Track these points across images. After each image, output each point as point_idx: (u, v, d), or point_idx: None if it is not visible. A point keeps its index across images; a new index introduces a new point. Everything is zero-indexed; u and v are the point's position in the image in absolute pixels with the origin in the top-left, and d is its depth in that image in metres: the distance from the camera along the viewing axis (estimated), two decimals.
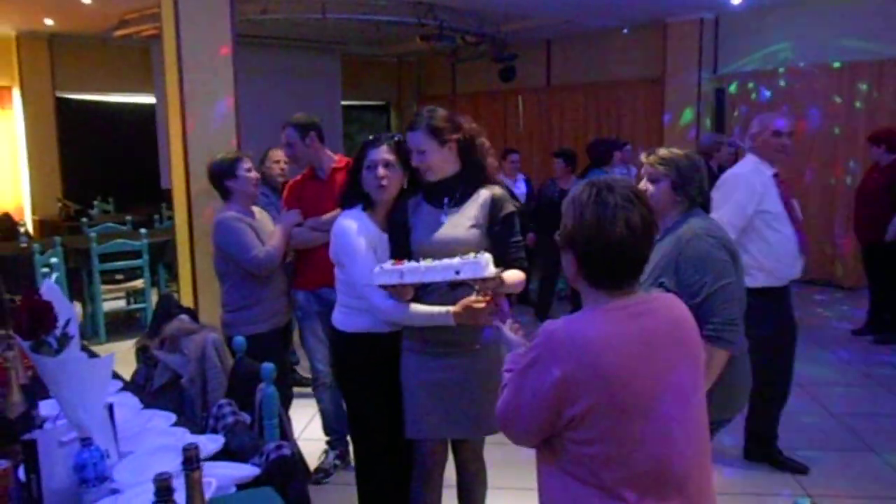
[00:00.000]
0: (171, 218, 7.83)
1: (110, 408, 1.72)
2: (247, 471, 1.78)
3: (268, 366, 2.38)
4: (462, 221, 2.44)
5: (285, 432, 2.46)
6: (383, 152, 2.51)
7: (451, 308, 2.32)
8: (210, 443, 1.95)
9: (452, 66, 10.55)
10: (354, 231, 2.50)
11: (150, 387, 3.01)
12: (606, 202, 1.48)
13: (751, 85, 8.11)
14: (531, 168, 8.79)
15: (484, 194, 2.48)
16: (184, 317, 3.14)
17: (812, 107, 7.65)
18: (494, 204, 2.46)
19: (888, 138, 5.54)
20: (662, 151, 2.43)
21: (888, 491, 3.42)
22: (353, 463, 2.85)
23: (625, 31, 8.79)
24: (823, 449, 3.82)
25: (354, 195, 2.60)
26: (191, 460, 1.29)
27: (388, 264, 2.29)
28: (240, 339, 2.75)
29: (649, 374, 1.47)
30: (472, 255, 2.26)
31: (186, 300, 4.43)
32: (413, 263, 2.26)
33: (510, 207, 2.48)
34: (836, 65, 7.46)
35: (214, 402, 2.79)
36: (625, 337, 1.47)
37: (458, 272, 2.18)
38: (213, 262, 3.51)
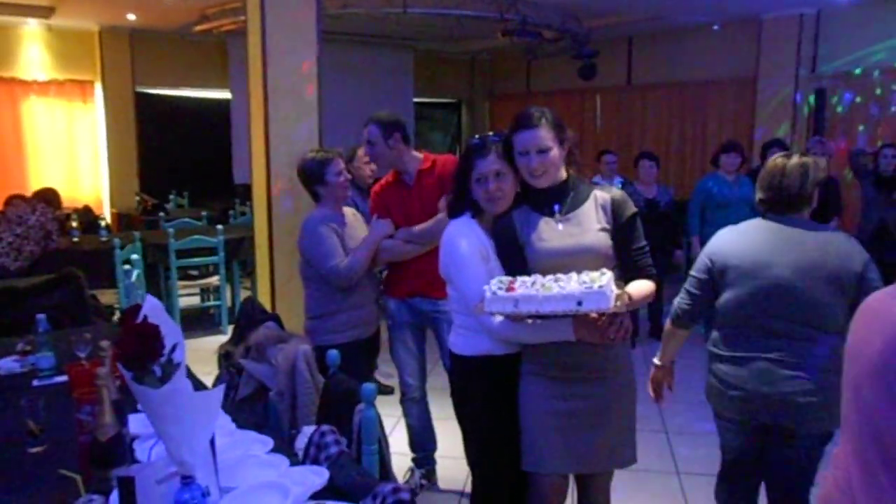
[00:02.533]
0: (244, 214, 7.82)
1: (211, 440, 1.53)
2: None
3: (369, 386, 2.17)
4: (587, 226, 2.22)
5: (385, 461, 2.25)
6: (492, 162, 2.27)
7: (571, 321, 2.07)
8: (313, 476, 1.75)
9: (528, 64, 10.27)
10: (466, 246, 2.27)
11: (233, 396, 2.86)
12: None
13: (849, 86, 7.58)
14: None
15: (602, 196, 2.27)
16: (271, 324, 2.97)
17: None
18: (616, 206, 2.25)
19: None
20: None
21: None
22: (467, 490, 2.62)
23: (715, 27, 8.34)
24: None
25: (462, 202, 2.36)
26: None
27: (501, 285, 2.04)
28: (333, 353, 2.56)
29: None
30: (593, 274, 2.00)
31: (264, 301, 4.29)
32: (528, 285, 2.00)
33: (632, 209, 2.27)
34: None
35: (304, 419, 2.62)
36: None
37: (580, 303, 1.90)
38: (299, 266, 3.35)
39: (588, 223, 2.23)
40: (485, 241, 2.30)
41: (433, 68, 10.72)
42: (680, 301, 2.59)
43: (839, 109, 7.70)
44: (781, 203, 2.37)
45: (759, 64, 8.11)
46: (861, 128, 7.51)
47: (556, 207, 2.25)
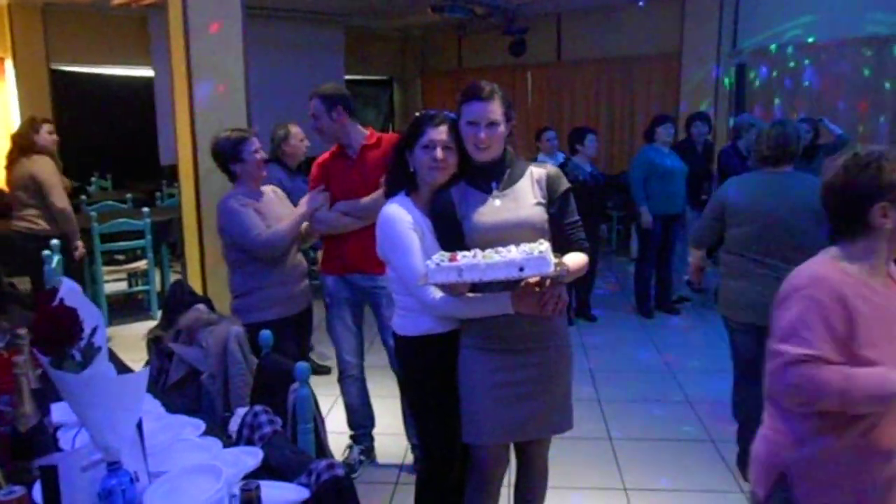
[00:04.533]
0: (172, 196, 7.59)
1: (139, 425, 1.49)
2: (295, 493, 1.56)
3: (303, 365, 2.15)
4: (523, 201, 2.25)
5: (321, 440, 2.24)
6: (443, 133, 2.27)
7: (509, 295, 2.11)
8: (246, 457, 1.73)
9: (459, 41, 10.24)
10: (402, 225, 2.26)
11: (164, 381, 2.79)
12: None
13: (771, 60, 7.84)
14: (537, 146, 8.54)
15: (537, 172, 2.32)
16: (201, 306, 2.91)
17: (837, 82, 7.41)
18: (551, 181, 2.30)
19: None
20: None
21: None
22: (413, 468, 2.61)
23: (640, 3, 8.48)
24: None
25: (399, 177, 2.36)
26: (251, 502, 1.07)
27: (442, 259, 2.05)
28: (266, 333, 2.53)
29: None
30: (531, 244, 2.05)
31: (194, 284, 4.19)
32: (469, 257, 2.02)
33: (566, 184, 2.32)
34: (860, 38, 7.22)
35: (237, 401, 2.59)
36: None
37: (522, 269, 1.95)
38: (221, 250, 3.30)
39: (524, 198, 2.26)
40: (420, 219, 2.30)
41: (364, 45, 10.56)
42: (697, 229, 3.58)
43: (757, 84, 7.97)
44: (778, 158, 3.14)
45: (683, 40, 8.30)
46: (777, 101, 7.79)
47: (494, 184, 2.28)
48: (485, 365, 2.24)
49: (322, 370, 4.53)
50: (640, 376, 4.74)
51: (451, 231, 2.25)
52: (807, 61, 7.59)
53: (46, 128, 5.07)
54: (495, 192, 2.27)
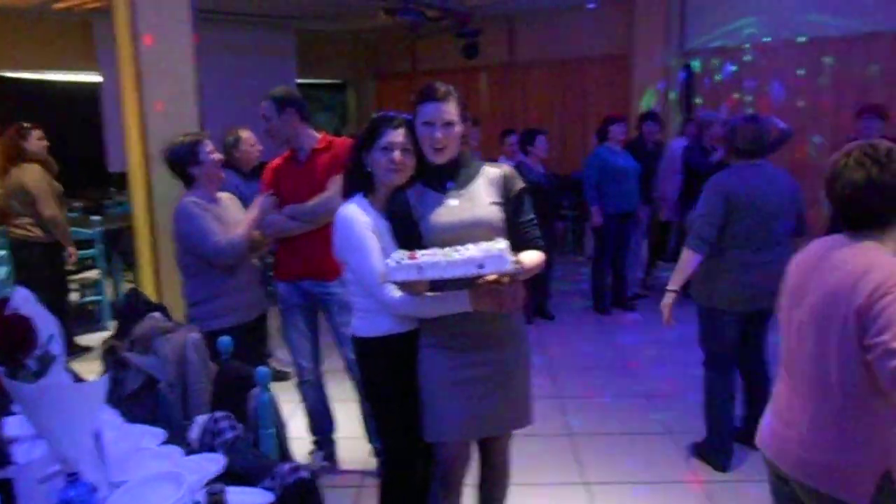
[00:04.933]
0: (122, 203, 7.43)
1: (97, 434, 1.47)
2: (260, 497, 1.55)
3: (263, 370, 2.14)
4: (479, 201, 2.28)
5: (283, 444, 2.23)
6: (401, 135, 2.29)
7: (467, 293, 2.13)
8: (208, 463, 1.72)
9: (412, 43, 10.24)
10: (359, 226, 2.26)
11: (120, 392, 2.74)
12: (838, 164, 1.79)
13: (717, 61, 8.04)
14: (493, 148, 8.59)
15: (493, 172, 2.36)
16: (156, 314, 2.85)
17: (777, 82, 7.64)
18: (506, 181, 2.34)
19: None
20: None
21: None
22: (377, 470, 2.59)
23: (590, 6, 8.61)
24: None
25: (356, 179, 2.36)
26: None
27: (402, 257, 2.06)
28: (225, 340, 2.50)
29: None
30: (490, 243, 2.09)
31: (148, 292, 4.11)
32: (430, 255, 2.04)
33: (521, 184, 2.37)
34: (802, 40, 7.45)
35: (197, 409, 2.55)
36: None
37: (481, 266, 1.97)
38: (175, 255, 3.25)
39: (480, 198, 2.29)
40: (378, 220, 2.31)
41: (316, 48, 10.48)
42: (700, 232, 3.28)
43: (704, 84, 8.15)
44: (754, 152, 3.28)
45: (632, 41, 8.45)
46: (722, 100, 8.00)
47: (450, 184, 2.30)
48: (445, 363, 2.26)
49: (282, 376, 4.48)
50: (598, 372, 4.81)
51: (408, 231, 2.26)
52: (748, 60, 7.80)
53: (36, 134, 5.16)
54: (451, 192, 2.29)
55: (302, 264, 3.21)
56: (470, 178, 2.32)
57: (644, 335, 5.55)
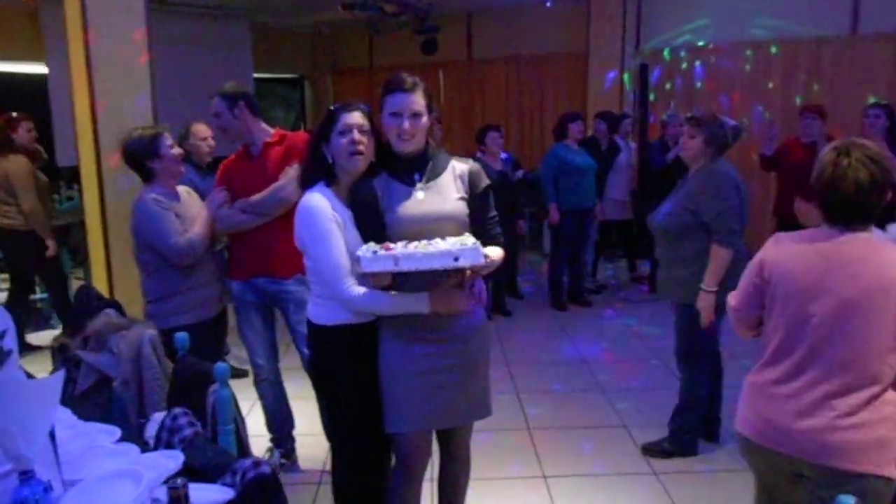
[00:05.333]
0: (71, 198, 7.22)
1: (51, 433, 1.43)
2: (219, 494, 1.54)
3: (222, 366, 2.12)
4: (447, 195, 2.29)
5: (242, 440, 2.20)
6: (357, 117, 2.29)
7: (427, 294, 2.15)
8: (167, 460, 1.69)
9: (370, 39, 10.19)
10: (322, 215, 2.24)
11: (72, 390, 2.67)
12: (840, 164, 1.88)
13: (674, 60, 8.19)
14: (452, 144, 8.61)
15: (460, 167, 2.37)
16: (110, 311, 2.80)
17: (731, 83, 7.83)
18: (472, 177, 2.35)
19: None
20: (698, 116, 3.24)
21: None
22: (325, 466, 2.60)
23: (548, 3, 8.69)
24: None
25: (317, 169, 2.34)
26: (179, 500, 1.05)
27: (376, 248, 2.06)
28: (182, 335, 2.46)
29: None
30: (460, 237, 2.12)
31: (100, 290, 4.01)
32: (404, 248, 2.04)
33: (486, 181, 2.39)
34: (747, 42, 7.65)
35: (153, 406, 2.51)
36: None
37: (456, 259, 2.00)
38: (133, 250, 3.18)
39: (447, 192, 2.30)
40: (341, 210, 2.29)
41: (273, 42, 10.35)
42: (728, 225, 3.20)
43: (658, 84, 8.30)
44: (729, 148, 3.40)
45: (589, 41, 8.56)
46: (675, 100, 8.16)
47: (417, 176, 2.30)
48: (406, 354, 2.26)
49: (239, 373, 4.43)
50: (555, 367, 4.87)
51: (372, 222, 2.26)
52: (702, 63, 7.98)
53: (25, 125, 5.29)
54: (419, 185, 2.29)
55: (256, 262, 3.18)
56: (437, 172, 2.32)
57: (600, 330, 5.64)
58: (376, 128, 2.32)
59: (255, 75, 9.84)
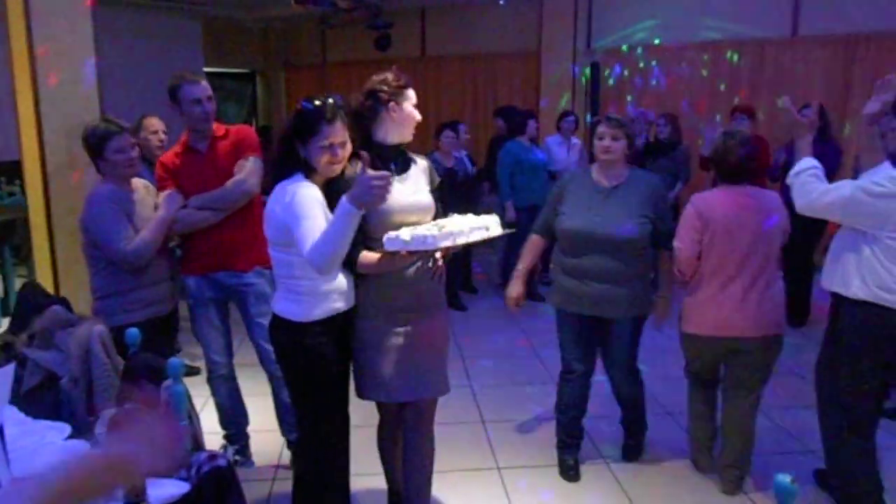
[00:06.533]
0: (13, 194, 7.00)
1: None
2: (175, 488, 1.53)
3: (175, 361, 2.10)
4: (420, 186, 2.48)
5: (196, 435, 2.19)
6: (339, 130, 2.30)
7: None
8: None
9: (323, 34, 10.12)
10: (308, 198, 2.23)
11: (18, 389, 2.61)
12: (728, 143, 3.00)
13: (624, 59, 8.34)
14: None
15: (422, 162, 2.56)
16: (57, 308, 2.74)
17: (680, 82, 8.00)
18: (431, 172, 2.57)
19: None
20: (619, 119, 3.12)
21: (779, 447, 3.63)
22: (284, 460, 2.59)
23: (501, 1, 8.76)
24: None
25: (292, 166, 2.33)
26: (136, 492, 1.05)
27: (415, 233, 2.19)
28: (133, 331, 2.43)
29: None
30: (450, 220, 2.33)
31: (46, 287, 3.91)
32: (435, 229, 2.18)
33: (437, 177, 2.61)
34: (700, 43, 7.84)
35: (103, 403, 2.47)
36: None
37: (487, 229, 2.27)
38: (82, 244, 3.11)
39: (419, 184, 2.47)
40: (321, 199, 2.30)
41: (224, 37, 10.18)
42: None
43: (610, 82, 8.46)
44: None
45: (542, 38, 8.66)
46: (629, 98, 8.31)
47: (394, 165, 2.43)
48: (386, 332, 2.42)
49: (192, 371, 4.37)
50: (509, 360, 4.93)
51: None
52: (653, 62, 8.14)
53: None
54: (396, 176, 2.37)
55: (215, 256, 3.14)
56: (407, 164, 2.49)
57: (553, 323, 5.69)
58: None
59: (206, 69, 9.68)
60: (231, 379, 3.39)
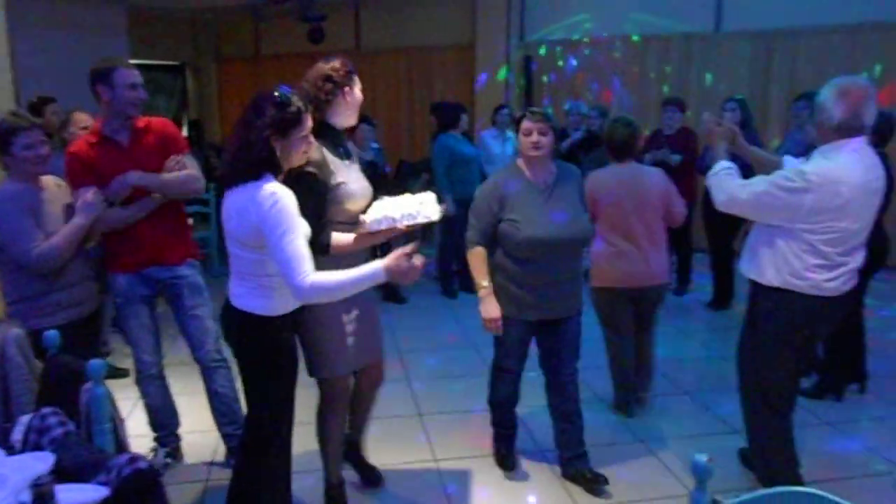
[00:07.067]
0: None
1: None
2: (93, 493, 1.49)
3: (97, 362, 2.04)
4: (361, 172, 2.73)
5: (120, 439, 2.13)
6: (310, 119, 2.31)
7: (381, 263, 2.18)
8: (35, 461, 1.62)
9: (256, 26, 9.93)
10: (294, 207, 2.17)
11: None
12: (615, 126, 3.71)
13: (556, 53, 8.45)
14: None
15: (354, 150, 2.83)
16: None
17: (613, 76, 8.17)
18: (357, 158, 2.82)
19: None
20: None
21: (704, 429, 3.76)
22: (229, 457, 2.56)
23: None
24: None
25: (265, 163, 2.21)
26: (43, 498, 1.02)
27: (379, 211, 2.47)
28: (52, 333, 2.34)
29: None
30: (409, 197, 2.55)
31: None
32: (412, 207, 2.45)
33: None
34: (635, 38, 8.01)
35: (20, 409, 2.38)
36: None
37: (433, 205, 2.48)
38: None
39: (360, 170, 2.74)
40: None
41: (151, 27, 9.87)
42: None
43: (544, 77, 8.56)
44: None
45: (476, 31, 8.69)
46: (562, 91, 8.44)
47: (342, 149, 2.65)
48: (336, 309, 2.60)
49: (120, 373, 4.25)
50: (447, 354, 4.96)
51: (319, 200, 2.49)
52: (586, 55, 8.27)
53: None
54: (346, 161, 2.64)
55: (146, 251, 3.05)
56: (351, 151, 2.72)
57: None
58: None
59: (133, 61, 9.37)
60: (161, 378, 3.30)
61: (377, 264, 2.17)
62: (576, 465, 3.21)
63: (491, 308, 3.04)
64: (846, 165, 2.53)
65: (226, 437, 3.31)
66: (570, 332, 3.15)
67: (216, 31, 10.67)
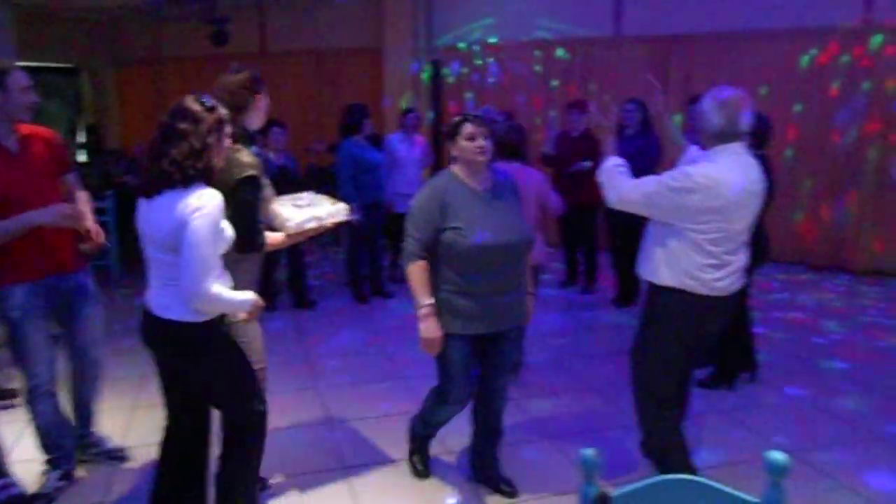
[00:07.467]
0: None
1: None
2: None
3: None
4: None
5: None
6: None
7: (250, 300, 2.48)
8: None
9: (156, 28, 9.60)
10: (220, 216, 2.33)
11: None
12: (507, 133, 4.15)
13: (464, 57, 8.55)
14: None
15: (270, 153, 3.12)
16: None
17: (516, 79, 8.32)
18: None
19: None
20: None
21: (612, 423, 3.87)
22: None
23: None
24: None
25: (208, 169, 2.33)
26: None
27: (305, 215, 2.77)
28: None
29: None
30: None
31: None
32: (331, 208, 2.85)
33: None
34: (534, 41, 8.20)
35: None
36: None
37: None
38: None
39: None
40: None
41: (41, 28, 9.37)
42: None
43: (451, 80, 8.65)
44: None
45: (383, 35, 8.69)
46: (469, 95, 8.55)
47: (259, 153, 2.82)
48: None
49: (7, 394, 4.01)
50: (357, 359, 4.93)
51: (262, 203, 2.71)
52: (491, 59, 8.41)
53: None
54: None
55: (45, 258, 2.92)
56: (261, 154, 2.98)
57: (402, 320, 5.77)
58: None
59: (21, 63, 8.87)
60: (55, 395, 3.12)
61: (250, 294, 2.46)
62: (487, 471, 3.24)
63: (432, 327, 2.87)
64: (728, 168, 2.67)
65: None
66: (512, 343, 3.06)
67: (114, 32, 10.25)
